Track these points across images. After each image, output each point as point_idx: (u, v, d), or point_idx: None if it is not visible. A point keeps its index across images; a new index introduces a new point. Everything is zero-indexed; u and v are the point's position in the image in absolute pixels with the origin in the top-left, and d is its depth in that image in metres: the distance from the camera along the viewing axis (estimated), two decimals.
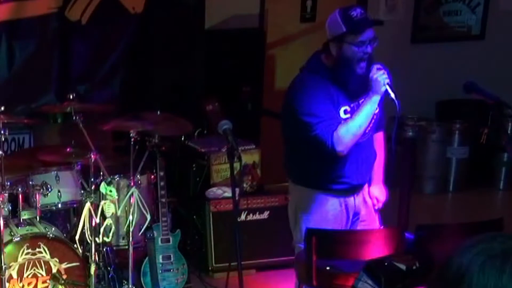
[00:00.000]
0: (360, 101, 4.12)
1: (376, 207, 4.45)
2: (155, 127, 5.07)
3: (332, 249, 4.10)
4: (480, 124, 6.74)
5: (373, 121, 4.21)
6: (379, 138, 4.45)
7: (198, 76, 6.61)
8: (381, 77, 4.01)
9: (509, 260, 1.64)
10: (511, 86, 7.05)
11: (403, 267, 3.74)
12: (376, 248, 4.01)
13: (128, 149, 4.98)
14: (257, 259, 5.68)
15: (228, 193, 5.65)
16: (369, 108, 4.05)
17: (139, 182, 5.09)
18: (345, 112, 4.12)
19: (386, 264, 3.77)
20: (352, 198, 4.32)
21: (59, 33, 6.11)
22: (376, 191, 4.44)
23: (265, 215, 5.78)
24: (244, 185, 5.82)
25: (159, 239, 5.30)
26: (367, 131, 4.21)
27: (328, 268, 4.10)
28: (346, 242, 4.11)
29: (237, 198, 3.92)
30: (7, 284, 4.73)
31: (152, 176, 5.36)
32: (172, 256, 5.32)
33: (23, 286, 4.81)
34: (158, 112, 5.18)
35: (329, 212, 4.29)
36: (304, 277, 4.20)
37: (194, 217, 5.86)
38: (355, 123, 4.04)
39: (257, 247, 5.67)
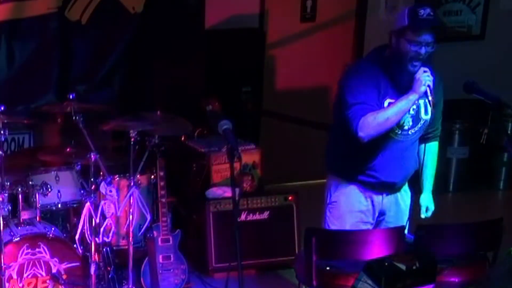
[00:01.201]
0: None
1: (424, 216, 4.47)
2: (155, 127, 5.07)
3: (332, 249, 4.10)
4: (480, 124, 6.74)
5: (419, 124, 4.25)
6: (433, 148, 4.49)
7: (198, 76, 6.61)
8: (424, 78, 4.04)
9: None
10: (511, 86, 7.04)
11: (403, 267, 3.74)
12: (376, 248, 4.01)
13: (128, 149, 4.98)
14: (257, 259, 5.67)
15: (228, 193, 5.64)
16: (403, 104, 4.06)
17: (139, 182, 5.10)
18: (389, 104, 4.15)
19: (386, 264, 3.77)
20: (380, 196, 4.35)
21: (59, 33, 6.10)
22: (426, 199, 4.47)
23: (265, 215, 5.77)
24: (244, 185, 5.82)
25: (159, 239, 5.29)
26: (409, 130, 4.22)
27: (328, 268, 4.10)
28: (346, 242, 4.11)
29: (237, 198, 3.92)
30: (7, 284, 4.73)
31: (152, 176, 5.36)
32: (172, 256, 5.32)
33: (23, 286, 4.81)
34: (158, 112, 5.18)
35: (354, 205, 4.35)
36: (304, 277, 4.20)
37: (194, 217, 5.86)
38: (383, 115, 4.06)
39: (257, 247, 5.67)
